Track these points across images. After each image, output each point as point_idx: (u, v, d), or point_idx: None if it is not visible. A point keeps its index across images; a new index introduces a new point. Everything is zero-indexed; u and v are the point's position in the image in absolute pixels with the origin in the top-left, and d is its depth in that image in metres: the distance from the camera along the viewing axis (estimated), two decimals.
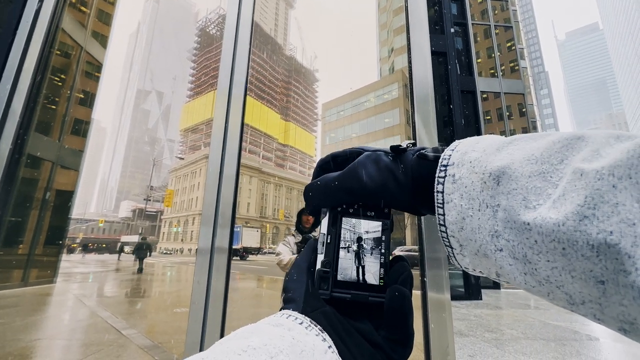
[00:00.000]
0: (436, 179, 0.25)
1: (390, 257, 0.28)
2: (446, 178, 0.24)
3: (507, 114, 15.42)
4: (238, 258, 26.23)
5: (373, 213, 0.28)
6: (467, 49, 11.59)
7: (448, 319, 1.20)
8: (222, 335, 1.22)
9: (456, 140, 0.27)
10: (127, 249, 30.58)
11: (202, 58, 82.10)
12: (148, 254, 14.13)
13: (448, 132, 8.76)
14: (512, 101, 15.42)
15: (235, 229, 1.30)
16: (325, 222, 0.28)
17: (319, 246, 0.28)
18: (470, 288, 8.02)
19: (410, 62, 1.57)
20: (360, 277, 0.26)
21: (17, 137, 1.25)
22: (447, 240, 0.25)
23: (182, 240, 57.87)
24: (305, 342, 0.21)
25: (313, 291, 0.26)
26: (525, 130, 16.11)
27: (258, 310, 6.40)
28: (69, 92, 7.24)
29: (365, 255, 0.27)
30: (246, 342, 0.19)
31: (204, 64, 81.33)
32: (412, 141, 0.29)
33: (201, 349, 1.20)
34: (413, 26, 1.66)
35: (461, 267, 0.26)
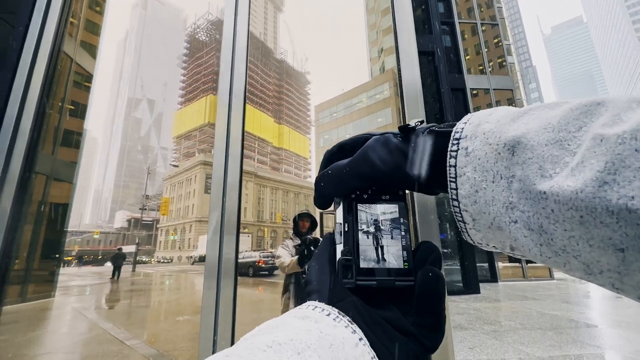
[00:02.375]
0: (448, 152, 0.24)
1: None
2: (459, 151, 0.24)
3: None
4: None
5: (388, 196, 0.28)
6: (455, 48, 11.80)
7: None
8: (232, 339, 1.28)
9: (469, 114, 0.26)
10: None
11: (192, 64, 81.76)
12: (123, 262, 17.36)
13: None
14: (502, 97, 15.68)
15: None
16: (340, 211, 0.28)
17: (337, 236, 0.27)
18: (469, 282, 8.15)
19: (398, 64, 1.65)
20: (384, 262, 0.26)
21: (27, 156, 1.30)
22: (459, 215, 0.24)
23: (179, 248, 57.36)
24: (334, 335, 0.20)
25: (337, 281, 0.25)
26: None
27: (261, 315, 6.43)
28: (60, 103, 7.22)
29: (385, 239, 0.26)
30: (271, 337, 0.19)
31: (194, 70, 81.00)
32: (421, 119, 0.29)
33: (214, 353, 1.25)
34: (400, 28, 1.73)
35: (474, 242, 0.25)
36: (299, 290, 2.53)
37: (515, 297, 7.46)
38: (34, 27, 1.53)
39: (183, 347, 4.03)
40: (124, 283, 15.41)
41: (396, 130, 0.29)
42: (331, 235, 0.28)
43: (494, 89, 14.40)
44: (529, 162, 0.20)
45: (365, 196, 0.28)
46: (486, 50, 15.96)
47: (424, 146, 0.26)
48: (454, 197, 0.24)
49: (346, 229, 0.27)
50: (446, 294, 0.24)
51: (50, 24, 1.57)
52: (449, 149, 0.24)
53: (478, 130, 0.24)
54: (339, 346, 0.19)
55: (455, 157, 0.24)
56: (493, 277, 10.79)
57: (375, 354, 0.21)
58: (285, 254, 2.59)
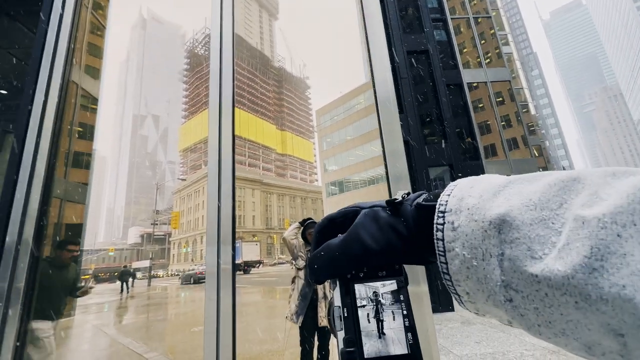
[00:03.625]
0: (435, 225, 0.24)
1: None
2: (445, 225, 0.24)
3: (500, 99, 15.62)
4: (242, 272, 26.63)
5: (384, 272, 0.27)
6: (449, 44, 11.85)
7: (426, 308, 1.36)
8: (234, 347, 1.37)
9: (451, 184, 0.26)
10: (139, 275, 30.78)
11: (193, 78, 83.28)
12: (130, 278, 19.54)
13: (439, 128, 8.95)
14: (502, 87, 15.63)
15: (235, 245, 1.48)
16: (337, 293, 0.27)
17: (337, 321, 0.26)
18: None
19: (372, 74, 1.74)
20: (388, 349, 0.24)
21: (45, 187, 1.46)
22: (453, 288, 0.24)
23: (192, 260, 57.97)
24: None
25: None
26: (516, 115, 16.26)
27: (272, 320, 6.54)
28: (69, 127, 7.54)
29: (386, 321, 0.25)
30: None
31: (195, 84, 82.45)
32: (407, 191, 0.29)
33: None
34: (372, 39, 1.81)
35: (471, 311, 0.25)
36: (306, 284, 2.66)
37: None
38: (46, 60, 1.71)
39: (198, 356, 4.17)
40: (140, 298, 15.71)
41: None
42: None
43: (491, 81, 14.36)
44: (516, 242, 0.19)
45: (361, 275, 0.27)
46: (483, 42, 15.97)
47: (413, 220, 0.26)
48: (445, 271, 0.24)
49: (346, 315, 0.26)
50: None
51: (60, 57, 1.75)
52: (435, 222, 0.24)
53: (462, 204, 0.23)
54: None
55: (442, 231, 0.24)
56: None
57: None
58: (295, 242, 2.76)
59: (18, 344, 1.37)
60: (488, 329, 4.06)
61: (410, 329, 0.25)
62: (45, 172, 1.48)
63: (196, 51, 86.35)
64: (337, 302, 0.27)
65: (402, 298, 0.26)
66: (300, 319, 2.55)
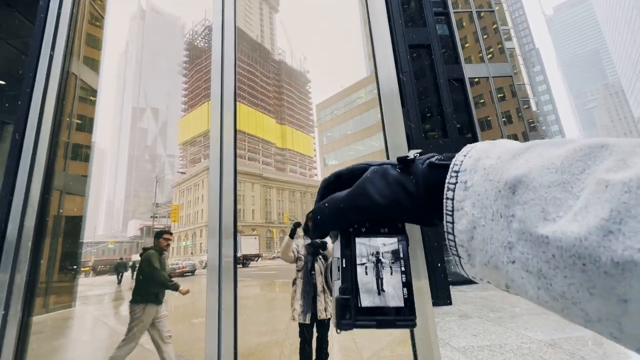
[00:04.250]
0: (446, 185, 0.24)
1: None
2: (457, 185, 0.23)
3: (501, 95, 15.53)
4: (241, 266, 26.96)
5: (386, 229, 0.27)
6: (452, 38, 11.74)
7: (427, 303, 1.37)
8: (235, 340, 1.39)
9: (468, 145, 0.26)
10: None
11: (192, 71, 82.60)
12: (124, 270, 21.69)
13: (440, 122, 8.92)
14: (504, 82, 15.53)
15: None
16: (337, 245, 0.28)
17: (335, 271, 0.27)
18: None
19: (375, 65, 1.72)
20: (384, 301, 0.25)
21: (45, 180, 1.46)
22: (454, 249, 0.24)
23: (192, 253, 58.21)
24: None
25: None
26: (517, 111, 16.20)
27: (272, 313, 6.60)
28: (68, 119, 7.50)
29: (385, 275, 0.26)
30: None
31: (195, 76, 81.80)
32: (419, 150, 0.29)
33: (219, 353, 1.37)
34: (375, 30, 1.78)
35: (468, 275, 0.25)
36: (307, 287, 2.67)
37: None
38: (45, 50, 1.69)
39: (199, 347, 4.22)
40: None
41: (393, 160, 0.29)
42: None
43: (493, 77, 14.27)
44: (530, 203, 0.19)
45: (363, 229, 0.27)
46: (485, 37, 15.82)
47: (424, 179, 0.26)
48: (450, 230, 0.23)
49: (344, 265, 0.26)
50: None
51: (59, 47, 1.73)
52: (447, 181, 0.24)
53: (478, 164, 0.23)
54: None
55: (453, 190, 0.23)
56: None
57: None
58: (293, 247, 2.77)
59: (20, 336, 1.38)
60: (485, 323, 4.11)
61: (407, 284, 0.25)
62: (46, 163, 1.48)
63: (196, 43, 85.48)
64: (337, 253, 0.27)
65: (401, 255, 0.26)
66: (308, 316, 2.58)
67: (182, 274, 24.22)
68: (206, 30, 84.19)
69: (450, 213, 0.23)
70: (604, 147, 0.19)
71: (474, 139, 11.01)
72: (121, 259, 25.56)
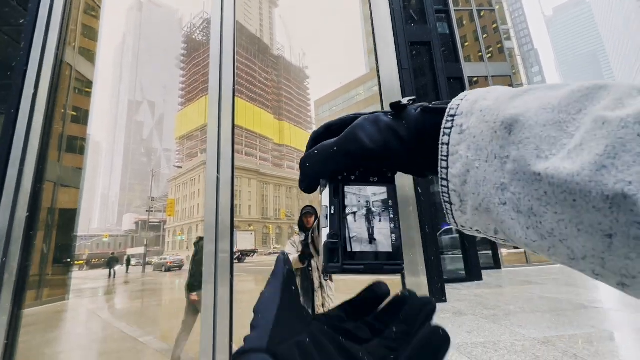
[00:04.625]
0: (442, 130, 0.23)
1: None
2: (453, 129, 0.23)
3: None
4: (236, 261, 27.04)
5: (376, 178, 0.27)
6: (452, 36, 11.71)
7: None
8: (231, 333, 1.38)
9: (466, 91, 0.25)
10: (133, 261, 30.96)
11: (190, 65, 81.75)
12: (116, 264, 22.60)
13: None
14: (503, 82, 15.56)
15: None
16: (326, 193, 0.27)
17: (322, 219, 0.26)
18: (471, 270, 8.25)
19: (377, 61, 1.70)
20: (372, 246, 0.25)
21: (38, 167, 1.42)
22: (447, 195, 0.24)
23: (187, 248, 58.06)
24: None
25: (283, 316, 0.22)
26: None
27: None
28: (62, 110, 7.37)
29: (373, 222, 0.26)
30: None
31: (193, 70, 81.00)
32: (413, 97, 0.28)
33: (214, 347, 1.36)
34: (377, 25, 1.76)
35: (457, 225, 0.25)
36: (305, 282, 2.65)
37: (518, 282, 7.56)
38: (38, 38, 1.65)
39: (192, 340, 4.21)
40: (135, 284, 15.76)
41: (387, 109, 0.28)
42: (285, 257, 0.25)
43: (492, 76, 14.28)
44: (525, 142, 0.19)
45: (352, 177, 0.27)
46: (485, 36, 15.79)
47: (416, 124, 0.25)
48: (444, 176, 0.23)
49: (332, 212, 0.26)
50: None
51: (53, 35, 1.68)
52: (442, 126, 0.24)
53: (475, 107, 0.23)
54: None
55: (449, 135, 0.23)
56: (497, 264, 10.88)
57: None
58: (292, 251, 2.70)
59: (10, 328, 1.35)
60: (479, 320, 4.14)
61: (396, 230, 0.26)
62: (38, 153, 1.44)
63: (194, 37, 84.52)
64: (325, 202, 0.26)
65: (390, 203, 0.26)
66: (310, 312, 2.55)
67: (169, 269, 25.57)
68: (204, 23, 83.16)
69: (445, 158, 0.23)
70: (602, 88, 0.19)
71: None
72: (113, 253, 26.87)
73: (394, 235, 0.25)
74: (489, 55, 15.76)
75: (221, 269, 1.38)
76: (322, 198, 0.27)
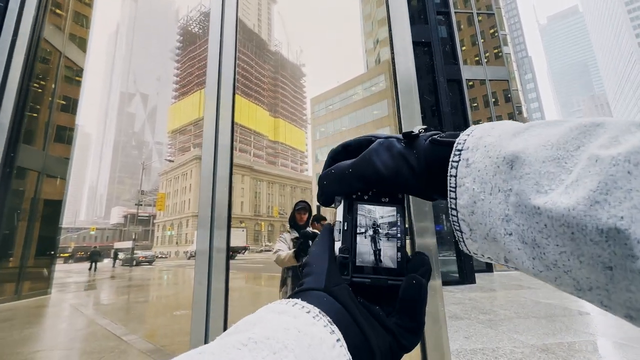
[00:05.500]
0: (450, 163, 0.25)
1: (407, 240, 0.26)
2: (460, 162, 0.24)
3: (493, 100, 15.66)
4: None
5: (387, 199, 0.29)
6: (451, 38, 11.69)
7: (440, 303, 1.27)
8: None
9: (472, 125, 0.27)
10: (121, 255, 30.41)
11: (185, 58, 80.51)
12: (98, 258, 22.94)
13: (435, 122, 8.88)
14: (498, 87, 15.64)
15: None
16: (340, 209, 0.29)
17: (336, 233, 0.29)
18: (464, 273, 8.23)
19: (392, 56, 1.59)
20: (378, 262, 0.27)
21: (7, 150, 1.25)
22: (457, 224, 0.25)
23: (176, 243, 57.35)
24: (312, 334, 0.20)
25: (334, 267, 0.26)
26: (511, 116, 16.40)
27: (259, 306, 6.46)
28: (50, 98, 7.06)
29: (381, 240, 0.28)
30: (247, 334, 0.19)
31: (187, 63, 79.81)
32: (424, 126, 0.30)
33: None
34: (394, 19, 1.66)
35: (470, 252, 0.26)
36: (296, 281, 2.50)
37: (511, 287, 7.56)
38: (13, 4, 1.46)
39: (180, 341, 4.03)
40: (121, 279, 15.40)
41: (399, 134, 0.30)
42: (330, 227, 0.30)
43: (489, 80, 14.35)
44: (526, 177, 0.20)
45: (365, 197, 0.29)
46: (482, 40, 15.84)
47: (426, 154, 0.27)
48: (453, 206, 0.25)
49: (345, 228, 0.28)
50: (426, 301, 0.26)
51: (29, 8, 1.50)
52: (450, 159, 0.25)
53: (480, 142, 0.24)
54: (316, 347, 0.19)
55: (457, 168, 0.24)
56: (489, 268, 10.92)
57: (350, 357, 0.21)
58: (284, 247, 2.55)
59: None
60: (476, 325, 4.07)
61: (401, 248, 0.28)
62: (9, 131, 1.26)
63: (190, 29, 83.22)
64: (340, 217, 0.29)
65: (398, 223, 0.28)
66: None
67: (138, 264, 27.04)
68: (201, 16, 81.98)
69: (453, 189, 0.25)
70: (599, 126, 0.19)
71: None
72: (95, 247, 26.71)
73: (399, 253, 0.28)
74: (486, 60, 15.83)
75: (216, 264, 1.25)
76: (337, 213, 0.30)
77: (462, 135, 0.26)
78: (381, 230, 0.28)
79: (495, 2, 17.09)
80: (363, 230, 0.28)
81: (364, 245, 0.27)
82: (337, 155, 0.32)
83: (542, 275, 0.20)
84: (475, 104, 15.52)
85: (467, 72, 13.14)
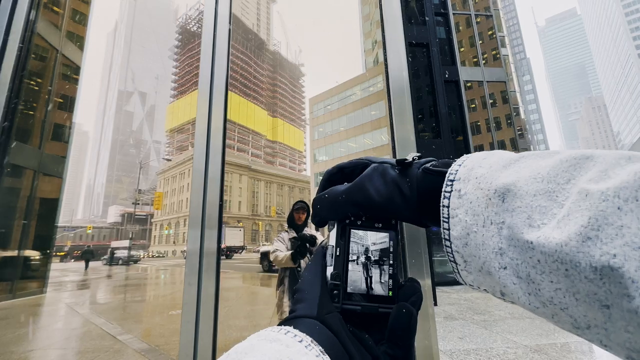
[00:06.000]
0: (442, 193, 0.25)
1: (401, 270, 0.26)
2: (452, 193, 0.24)
3: (491, 101, 15.72)
4: (224, 257, 26.78)
5: (380, 225, 0.29)
6: (449, 39, 11.72)
7: (429, 303, 1.27)
8: (214, 335, 1.26)
9: (464, 155, 0.27)
10: (118, 253, 30.33)
11: (184, 56, 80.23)
12: (91, 257, 23.11)
13: (433, 123, 8.90)
14: (495, 89, 15.70)
15: None
16: (333, 234, 0.29)
17: (328, 258, 0.28)
18: None
19: (385, 57, 1.59)
20: (369, 289, 0.27)
21: None
22: (451, 255, 0.25)
23: (174, 242, 57.17)
24: None
25: (326, 294, 0.26)
26: (508, 117, 16.46)
27: (255, 307, 6.46)
28: (47, 96, 7.02)
29: (373, 267, 0.27)
30: None
31: (186, 62, 79.52)
32: (418, 154, 0.30)
33: (195, 348, 1.24)
34: (387, 21, 1.66)
35: (466, 283, 0.25)
36: (294, 283, 2.50)
37: None
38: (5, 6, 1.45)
39: (175, 341, 4.02)
40: (118, 278, 15.34)
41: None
42: (323, 251, 0.29)
43: (487, 81, 14.40)
44: (518, 210, 0.20)
45: (359, 222, 0.29)
46: (480, 42, 15.90)
47: (419, 183, 0.27)
48: (447, 237, 0.24)
49: (337, 254, 0.28)
50: (416, 331, 0.25)
51: (22, 2, 1.49)
52: (443, 189, 0.25)
53: (471, 174, 0.24)
54: None
55: (449, 198, 0.24)
56: None
57: None
58: (281, 247, 2.55)
59: None
60: (470, 325, 4.09)
61: (393, 276, 0.27)
62: (1, 124, 1.26)
63: (189, 28, 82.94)
64: (332, 242, 0.29)
65: (391, 250, 0.28)
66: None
67: (125, 262, 28.00)
68: (200, 14, 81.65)
69: (446, 220, 0.24)
70: (589, 159, 0.19)
71: (465, 142, 11.07)
72: (88, 246, 27.65)
73: (391, 281, 0.27)
74: (484, 62, 15.88)
75: (206, 265, 1.25)
76: (330, 236, 0.30)
77: (454, 166, 0.26)
78: (373, 257, 0.28)
79: (493, 4, 17.13)
80: (355, 257, 0.28)
81: (355, 272, 0.27)
82: (333, 176, 0.32)
83: (539, 311, 0.20)
84: (474, 105, 15.56)
85: (465, 74, 13.18)
